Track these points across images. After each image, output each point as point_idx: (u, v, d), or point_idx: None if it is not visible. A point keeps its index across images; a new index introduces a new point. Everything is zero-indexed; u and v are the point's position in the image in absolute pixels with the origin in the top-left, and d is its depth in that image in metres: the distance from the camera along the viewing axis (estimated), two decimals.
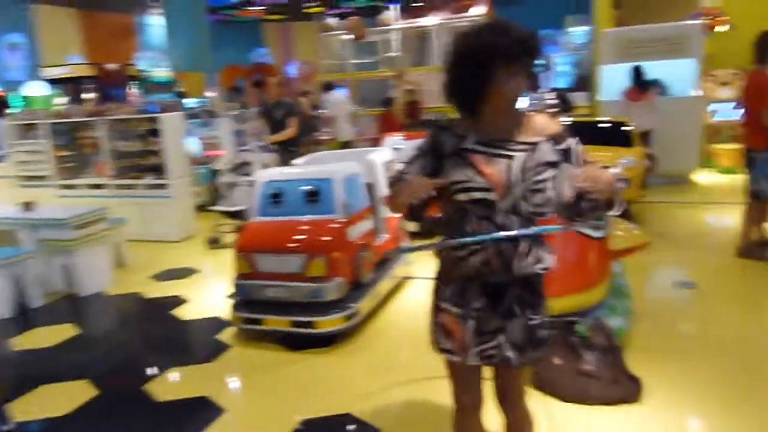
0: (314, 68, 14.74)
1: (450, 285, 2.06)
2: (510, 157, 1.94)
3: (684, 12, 9.93)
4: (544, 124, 2.01)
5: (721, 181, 8.94)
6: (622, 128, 7.18)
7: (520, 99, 1.96)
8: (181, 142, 7.61)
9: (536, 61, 1.90)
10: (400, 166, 2.13)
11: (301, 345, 4.13)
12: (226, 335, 4.47)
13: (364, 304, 4.30)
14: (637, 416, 3.08)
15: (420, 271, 5.47)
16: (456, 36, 1.94)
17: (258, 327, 4.22)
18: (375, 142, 10.51)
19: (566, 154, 1.97)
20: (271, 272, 4.13)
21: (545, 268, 2.02)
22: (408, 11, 15.72)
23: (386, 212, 5.05)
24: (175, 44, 16.73)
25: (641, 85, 8.11)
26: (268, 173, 4.75)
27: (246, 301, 4.26)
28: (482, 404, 2.26)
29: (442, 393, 3.42)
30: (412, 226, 5.86)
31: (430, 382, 3.58)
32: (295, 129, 7.14)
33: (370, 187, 4.79)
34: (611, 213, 1.94)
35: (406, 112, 11.53)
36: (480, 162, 1.95)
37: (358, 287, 4.35)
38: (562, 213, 1.97)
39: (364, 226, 4.55)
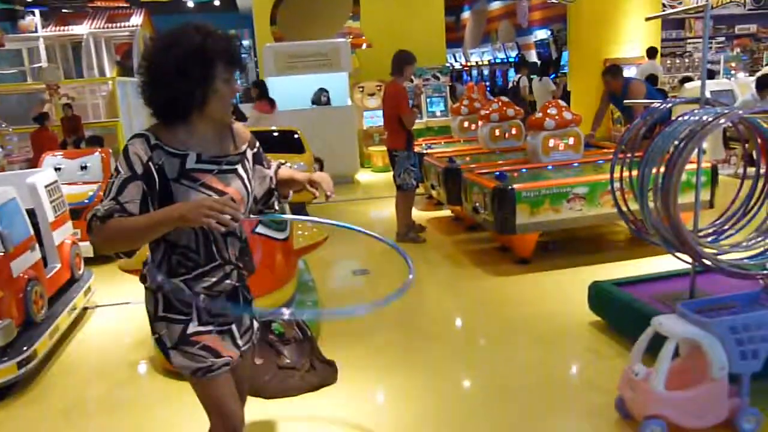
0: None
1: (191, 311, 1.93)
2: (235, 171, 1.93)
3: (333, 31, 11.05)
4: (243, 130, 2.05)
5: (377, 179, 10.22)
6: (295, 136, 7.70)
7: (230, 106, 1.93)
8: None
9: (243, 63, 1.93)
10: (106, 202, 1.75)
11: None
12: None
13: (40, 346, 3.81)
14: (338, 396, 3.41)
15: (103, 298, 5.09)
16: (161, 40, 1.81)
17: None
18: (31, 164, 9.31)
19: (257, 157, 2.07)
20: None
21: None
22: (54, 17, 14.22)
23: (56, 239, 4.57)
24: None
25: (267, 99, 8.64)
26: None
27: None
28: None
29: (146, 423, 3.31)
30: (90, 251, 5.40)
31: (131, 413, 3.40)
32: None
33: (32, 214, 4.28)
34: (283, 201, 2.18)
35: (65, 128, 10.44)
36: (216, 182, 1.87)
37: (30, 327, 3.85)
38: (253, 210, 2.09)
39: (30, 257, 4.04)
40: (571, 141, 5.91)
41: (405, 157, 6.05)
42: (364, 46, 11.80)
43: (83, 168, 6.62)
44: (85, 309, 4.81)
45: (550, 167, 5.78)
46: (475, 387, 3.54)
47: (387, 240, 2.26)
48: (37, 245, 4.21)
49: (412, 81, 6.14)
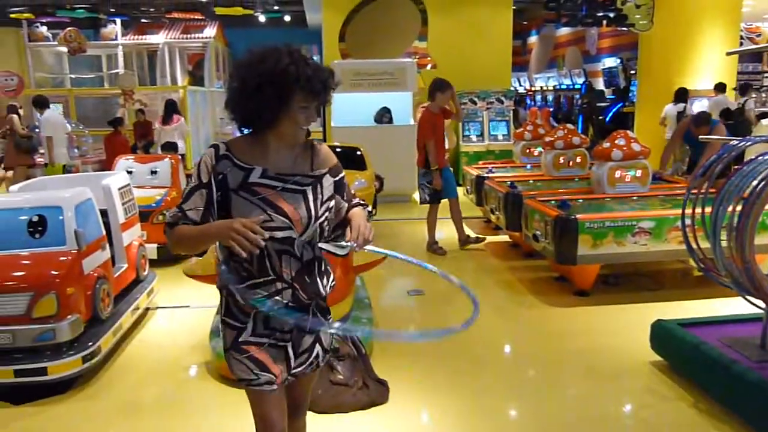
0: (22, 81, 13.07)
1: (250, 318, 1.98)
2: (302, 191, 1.93)
3: (400, 51, 11.17)
4: (327, 155, 2.03)
5: None
6: (357, 152, 7.80)
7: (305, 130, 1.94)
8: None
9: (328, 97, 1.90)
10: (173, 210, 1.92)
11: (31, 396, 3.63)
12: None
13: (105, 342, 3.95)
14: (388, 415, 3.40)
15: (164, 300, 5.24)
16: (252, 54, 1.85)
17: None
18: (103, 165, 9.72)
19: (338, 186, 2.03)
20: None
21: (335, 280, 2.11)
22: (133, 27, 14.90)
23: (125, 240, 4.74)
24: None
25: (170, 113, 10.38)
26: None
27: None
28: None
29: (197, 426, 3.38)
30: (153, 254, 5.58)
31: (188, 416, 3.47)
32: None
33: (105, 214, 4.46)
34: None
35: (136, 133, 10.88)
36: (275, 198, 1.88)
37: (96, 323, 4.00)
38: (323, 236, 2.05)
39: (100, 256, 4.21)
40: (638, 173, 5.76)
41: (422, 174, 6.55)
42: (429, 66, 11.87)
43: (153, 173, 6.87)
44: (146, 309, 4.96)
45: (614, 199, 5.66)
46: (524, 418, 3.46)
47: (453, 278, 2.22)
48: (107, 245, 4.38)
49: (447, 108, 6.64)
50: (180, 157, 7.67)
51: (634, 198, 5.66)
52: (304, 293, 1.96)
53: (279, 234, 1.89)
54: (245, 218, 1.80)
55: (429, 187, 6.49)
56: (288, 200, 1.90)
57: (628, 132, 6.12)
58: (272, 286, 1.92)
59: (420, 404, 3.54)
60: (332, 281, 2.10)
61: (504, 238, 7.13)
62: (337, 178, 2.03)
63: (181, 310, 5.09)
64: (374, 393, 3.51)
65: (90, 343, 3.77)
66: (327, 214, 1.99)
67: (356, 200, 2.10)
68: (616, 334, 4.44)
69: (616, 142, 5.76)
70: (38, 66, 14.09)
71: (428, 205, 6.61)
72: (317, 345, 2.08)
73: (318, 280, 2.01)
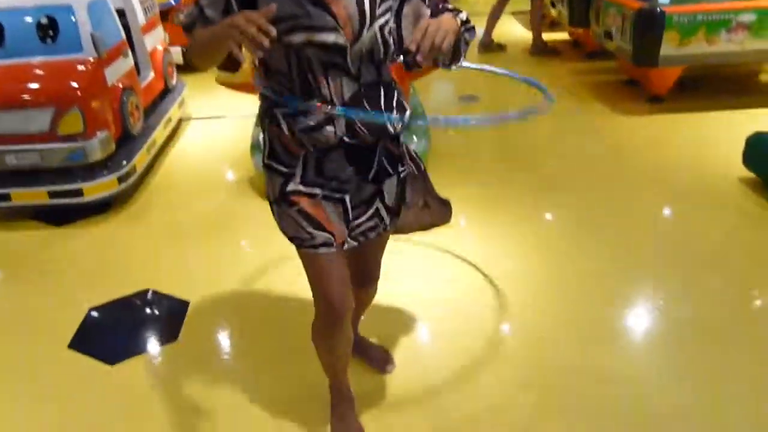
0: None
1: (299, 162, 1.58)
2: None
3: None
4: None
5: None
6: None
7: None
8: None
9: None
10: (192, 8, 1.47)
11: (68, 218, 3.44)
12: None
13: (139, 160, 3.66)
14: (450, 236, 3.13)
15: (197, 111, 4.86)
16: None
17: (5, 204, 3.39)
18: None
19: None
20: (8, 134, 3.26)
21: (410, 115, 1.66)
22: None
23: (148, 45, 4.23)
24: None
25: None
26: None
27: None
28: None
29: (250, 246, 3.17)
30: (179, 58, 5.07)
31: (233, 234, 3.26)
32: None
33: (123, 15, 3.91)
34: (453, 66, 1.54)
35: None
36: None
37: (127, 140, 3.66)
38: (403, 56, 1.57)
39: (123, 64, 3.74)
40: None
41: None
42: None
43: None
44: (179, 121, 4.60)
45: None
46: (590, 238, 3.13)
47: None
48: (129, 51, 3.90)
49: None
50: None
51: None
52: (364, 126, 1.53)
53: (321, 37, 1.42)
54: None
55: None
56: None
57: None
58: (317, 114, 1.50)
59: (483, 222, 3.27)
60: (406, 117, 1.64)
61: (562, 35, 6.40)
62: None
63: (217, 121, 4.72)
64: (436, 213, 3.20)
65: (124, 162, 3.49)
66: (387, 16, 1.50)
67: (448, 6, 1.54)
68: (698, 147, 4.01)
69: None
70: None
71: None
72: (377, 199, 1.69)
73: (380, 106, 1.55)
